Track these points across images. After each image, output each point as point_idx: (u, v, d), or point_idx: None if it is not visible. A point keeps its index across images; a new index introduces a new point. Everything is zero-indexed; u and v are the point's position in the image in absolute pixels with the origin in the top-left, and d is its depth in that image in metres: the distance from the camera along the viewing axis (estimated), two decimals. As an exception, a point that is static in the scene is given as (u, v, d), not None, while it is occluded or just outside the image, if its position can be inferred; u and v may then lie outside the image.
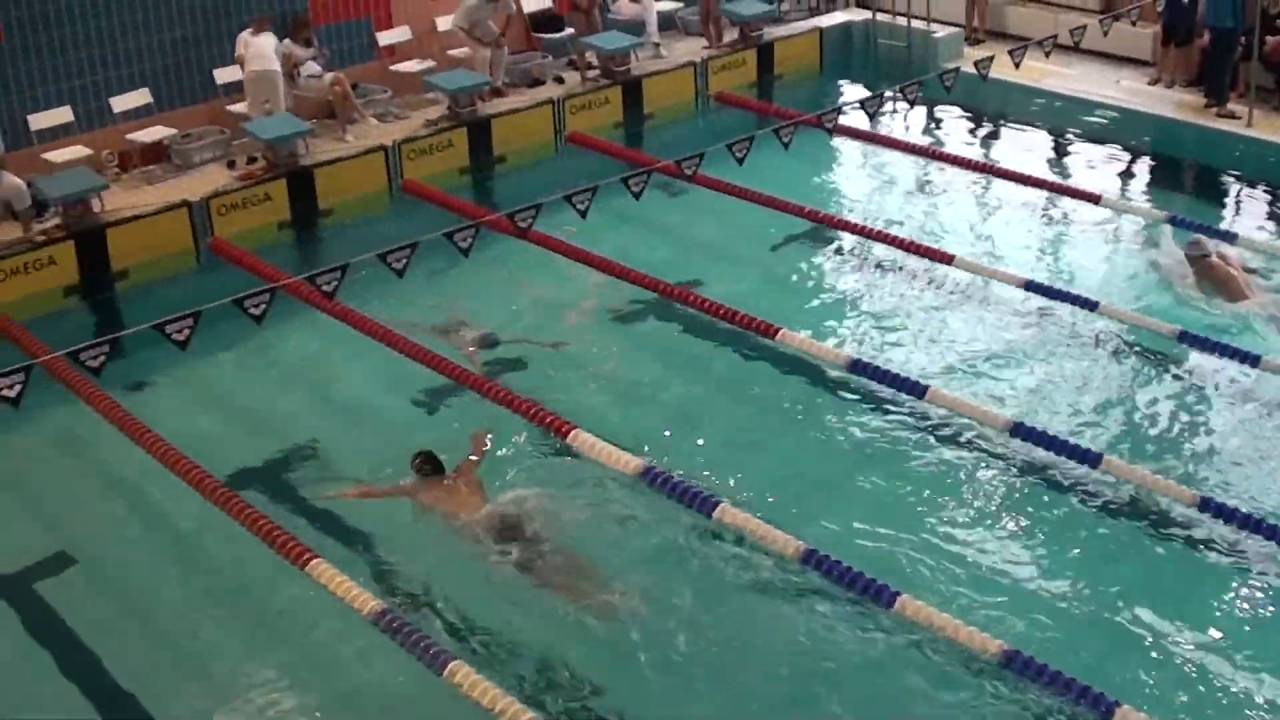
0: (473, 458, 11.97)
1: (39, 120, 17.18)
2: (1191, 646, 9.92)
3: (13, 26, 16.86)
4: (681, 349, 14.07)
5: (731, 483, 11.77)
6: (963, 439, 12.20)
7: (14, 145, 16.49)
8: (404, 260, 11.18)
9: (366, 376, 13.76)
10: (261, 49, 17.86)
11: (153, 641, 10.68)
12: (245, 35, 17.99)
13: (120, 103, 17.73)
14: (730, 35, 21.53)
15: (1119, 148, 18.55)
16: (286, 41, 18.52)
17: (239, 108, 18.21)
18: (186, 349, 10.73)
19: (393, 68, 19.83)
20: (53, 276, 15.64)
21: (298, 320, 14.33)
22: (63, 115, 17.35)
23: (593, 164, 17.78)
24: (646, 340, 14.31)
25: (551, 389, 13.21)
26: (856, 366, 13.03)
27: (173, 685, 10.19)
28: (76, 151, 17.23)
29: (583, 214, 12.35)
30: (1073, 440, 11.77)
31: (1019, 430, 11.88)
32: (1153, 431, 12.33)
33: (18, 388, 9.88)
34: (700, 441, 12.48)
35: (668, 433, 12.60)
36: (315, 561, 10.45)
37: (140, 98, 17.88)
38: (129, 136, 17.75)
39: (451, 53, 20.11)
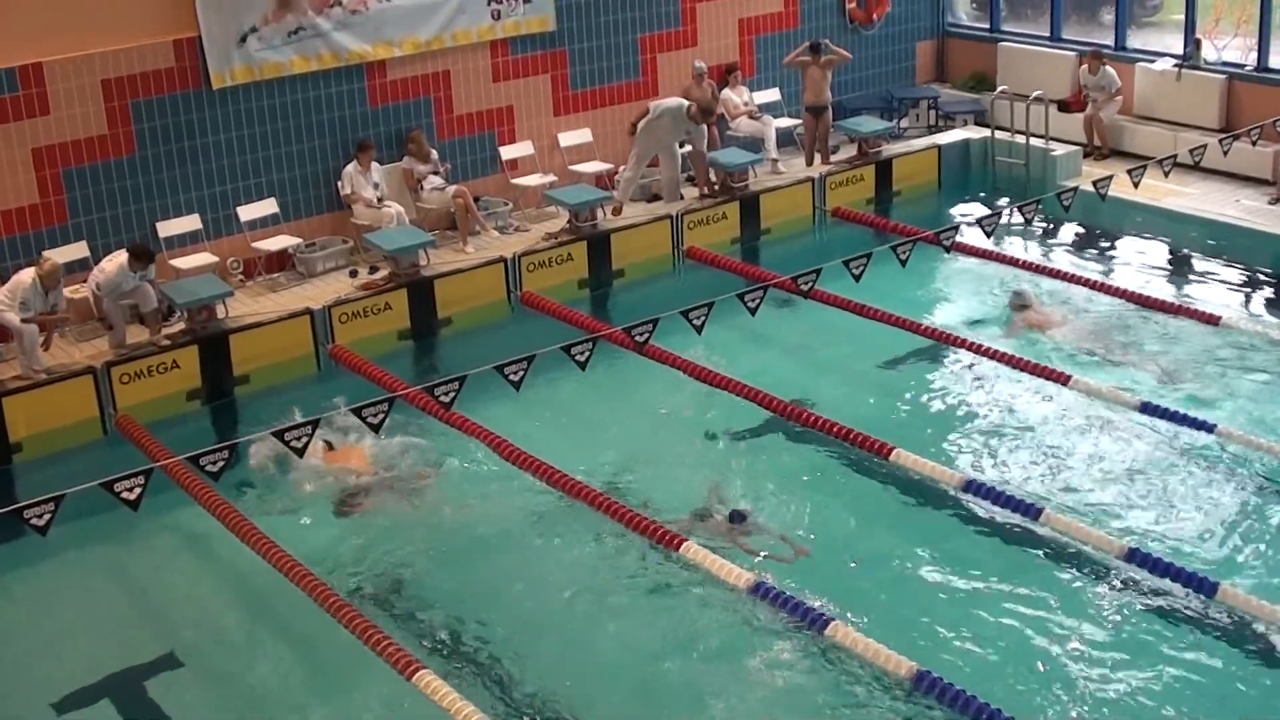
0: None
1: (167, 228, 17.62)
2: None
3: (145, 137, 17.35)
4: (794, 467, 14.00)
5: (841, 601, 11.68)
6: (1077, 563, 12.02)
7: (142, 251, 16.86)
8: (520, 373, 11.30)
9: (479, 485, 13.84)
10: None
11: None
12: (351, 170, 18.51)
13: (247, 212, 18.14)
14: (849, 152, 21.63)
15: (1239, 267, 18.31)
16: (406, 158, 18.91)
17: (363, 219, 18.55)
18: (303, 456, 10.91)
19: (514, 181, 20.13)
20: (176, 380, 15.90)
21: (414, 429, 14.47)
22: (191, 223, 17.81)
23: (710, 279, 17.91)
24: (758, 457, 14.25)
25: (662, 501, 13.24)
26: (971, 487, 12.92)
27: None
28: (203, 259, 17.66)
29: (699, 329, 12.42)
30: (1189, 568, 11.56)
31: (1134, 556, 11.70)
32: (1272, 562, 12.03)
33: (138, 490, 10.07)
34: (810, 558, 12.38)
35: (780, 550, 12.50)
36: (422, 673, 10.51)
37: (266, 207, 18.31)
38: (254, 245, 18.14)
39: (573, 168, 20.40)
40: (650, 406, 15.37)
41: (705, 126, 20.04)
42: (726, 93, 21.66)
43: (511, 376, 11.32)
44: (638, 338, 12.04)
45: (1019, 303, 16.64)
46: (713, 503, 13.08)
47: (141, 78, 17.21)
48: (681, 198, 20.11)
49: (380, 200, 18.46)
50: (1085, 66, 21.79)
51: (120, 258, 15.95)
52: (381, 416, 10.90)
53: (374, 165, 18.58)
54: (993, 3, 24.62)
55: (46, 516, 9.80)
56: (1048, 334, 16.22)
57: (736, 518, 12.74)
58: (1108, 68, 21.64)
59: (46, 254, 16.10)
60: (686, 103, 19.75)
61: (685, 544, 12.09)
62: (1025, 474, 13.46)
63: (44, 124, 16.73)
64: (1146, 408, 14.14)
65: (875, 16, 23.64)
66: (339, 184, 18.60)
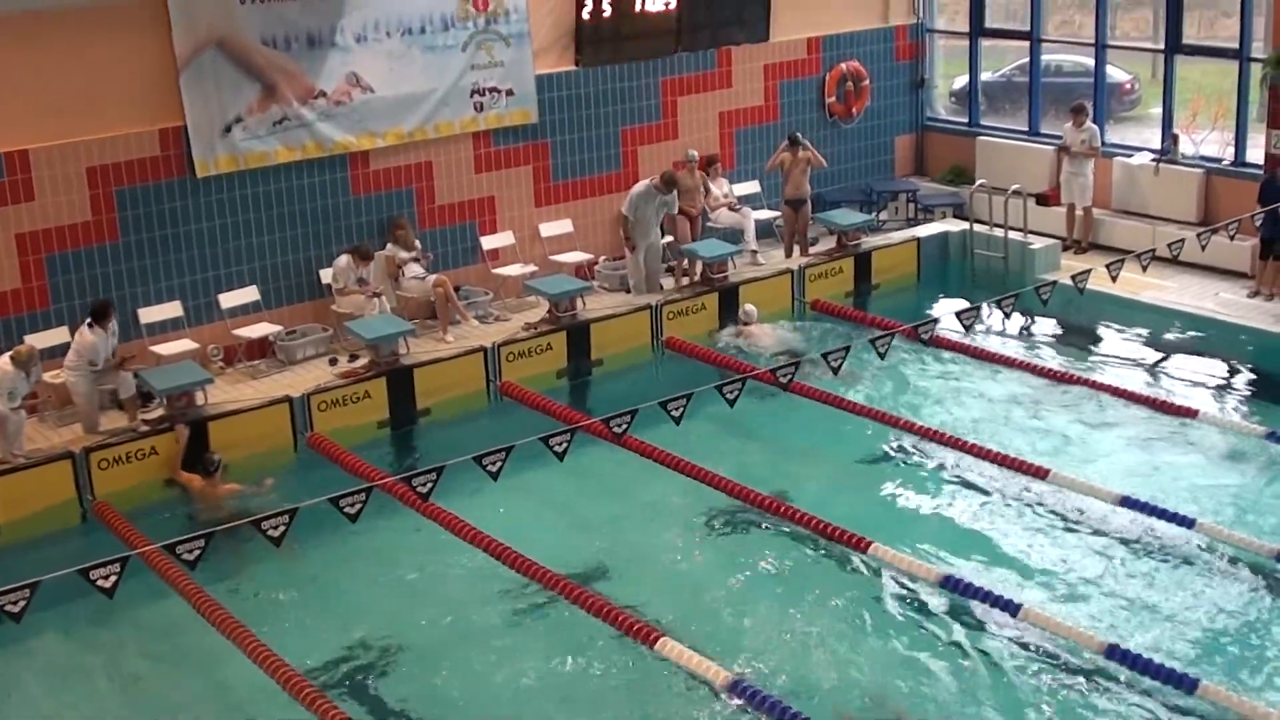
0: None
1: (149, 314, 17.65)
2: None
3: (128, 224, 17.41)
4: (771, 560, 13.96)
5: (819, 699, 11.62)
6: (1057, 660, 11.98)
7: (123, 337, 16.85)
8: (499, 464, 11.29)
9: (456, 576, 13.81)
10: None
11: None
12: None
13: (228, 299, 18.19)
14: (828, 244, 21.75)
15: (1217, 361, 18.38)
16: (389, 245, 19.00)
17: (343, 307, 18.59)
18: (280, 546, 10.87)
19: (495, 271, 20.22)
20: (154, 467, 15.89)
21: (392, 517, 14.42)
22: (173, 310, 17.84)
23: (689, 370, 17.95)
24: (735, 550, 14.23)
25: (639, 596, 13.19)
26: (949, 583, 12.90)
27: None
28: (183, 345, 17.67)
29: (677, 420, 12.42)
30: (1169, 664, 11.53)
31: (1114, 653, 11.67)
32: (1252, 658, 12.02)
33: (113, 578, 10.02)
34: (789, 655, 12.32)
35: (755, 645, 12.45)
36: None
37: (248, 295, 18.35)
38: (235, 332, 18.17)
39: (553, 258, 20.50)
40: (628, 498, 15.35)
41: (675, 195, 20.26)
42: (706, 184, 21.81)
43: (490, 467, 11.32)
44: (616, 429, 12.04)
45: (744, 320, 19.32)
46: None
47: (126, 165, 17.31)
48: (661, 288, 20.22)
49: (366, 295, 18.46)
50: (1070, 123, 21.95)
51: (85, 329, 16.01)
52: (359, 506, 10.88)
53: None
54: (971, 97, 24.91)
55: (21, 603, 9.74)
56: (753, 345, 18.96)
57: None
58: (1091, 123, 21.84)
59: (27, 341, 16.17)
60: (648, 181, 20.08)
61: (661, 640, 12.04)
62: (1004, 569, 13.44)
63: (28, 210, 16.80)
64: (1126, 501, 14.15)
65: (855, 111, 23.87)
66: (324, 272, 18.68)
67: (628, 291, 20.34)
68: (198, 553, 10.35)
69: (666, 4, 21.25)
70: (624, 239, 20.21)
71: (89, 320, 16.12)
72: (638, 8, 21.01)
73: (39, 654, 12.94)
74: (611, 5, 20.72)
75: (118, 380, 16.31)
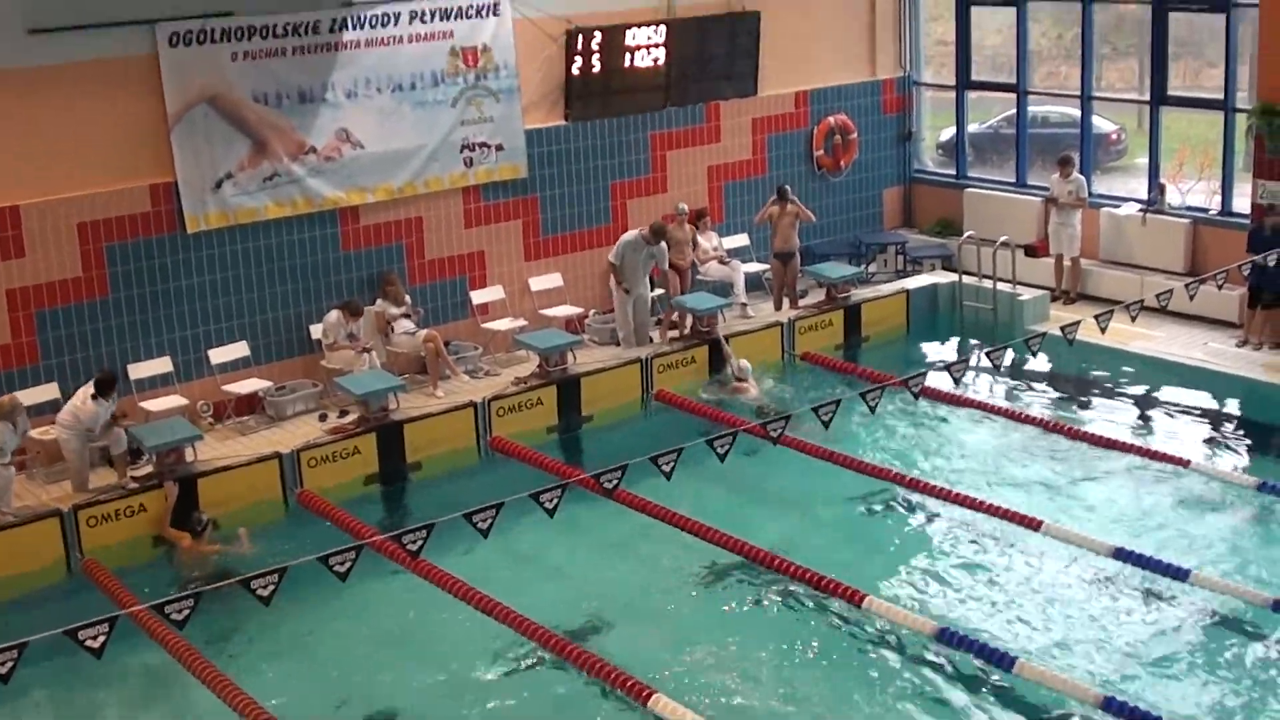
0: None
1: (138, 370, 17.64)
2: None
3: (118, 280, 17.42)
4: (764, 614, 13.93)
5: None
6: (1053, 713, 11.93)
7: (113, 393, 16.84)
8: (489, 520, 11.24)
9: (448, 634, 13.73)
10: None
11: None
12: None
13: (218, 355, 18.18)
14: (817, 296, 21.78)
15: (1207, 411, 18.40)
16: (379, 301, 19.00)
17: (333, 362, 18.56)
18: (270, 605, 10.81)
19: (484, 325, 20.22)
20: (143, 524, 15.81)
21: (382, 572, 14.36)
22: (162, 366, 17.83)
23: (679, 423, 17.93)
24: (729, 604, 14.18)
25: (632, 651, 13.12)
26: (944, 636, 12.85)
27: None
28: (173, 401, 17.64)
29: (667, 475, 12.40)
30: (1166, 717, 11.47)
31: (1111, 705, 11.61)
32: (1249, 709, 11.97)
33: (102, 638, 9.96)
34: (783, 711, 12.25)
35: (749, 702, 12.39)
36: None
37: (238, 350, 18.34)
38: (225, 387, 18.14)
39: (543, 312, 20.51)
40: (619, 553, 15.30)
41: (664, 246, 20.31)
42: (696, 238, 21.85)
43: (480, 524, 11.27)
44: (606, 484, 12.01)
45: (738, 375, 19.23)
46: None
47: (117, 221, 17.33)
48: (650, 340, 20.24)
49: (357, 350, 18.45)
50: (1057, 174, 22.03)
51: (90, 400, 15.94)
52: (349, 565, 10.82)
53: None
54: (958, 149, 25.00)
55: (9, 664, 9.68)
56: (744, 398, 19.03)
57: None
58: (1078, 174, 21.94)
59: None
60: (636, 231, 20.17)
61: (654, 696, 11.97)
62: (999, 622, 13.40)
63: (18, 266, 16.80)
64: (1120, 553, 14.12)
65: (843, 164, 23.96)
66: (314, 328, 18.69)
67: (618, 344, 20.34)
68: (187, 612, 10.29)
69: (655, 59, 21.36)
70: (615, 283, 20.22)
71: (93, 393, 16.07)
72: (626, 63, 21.12)
73: (26, 714, 12.84)
74: (600, 61, 20.85)
75: (110, 437, 16.27)
